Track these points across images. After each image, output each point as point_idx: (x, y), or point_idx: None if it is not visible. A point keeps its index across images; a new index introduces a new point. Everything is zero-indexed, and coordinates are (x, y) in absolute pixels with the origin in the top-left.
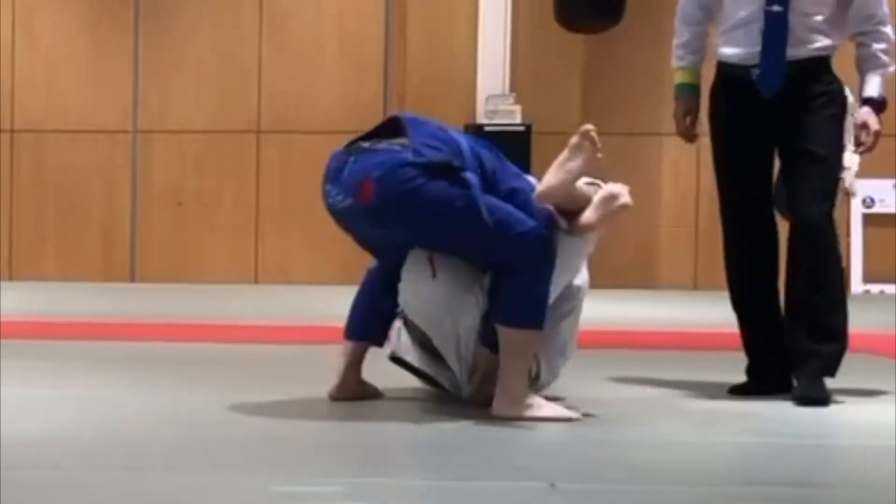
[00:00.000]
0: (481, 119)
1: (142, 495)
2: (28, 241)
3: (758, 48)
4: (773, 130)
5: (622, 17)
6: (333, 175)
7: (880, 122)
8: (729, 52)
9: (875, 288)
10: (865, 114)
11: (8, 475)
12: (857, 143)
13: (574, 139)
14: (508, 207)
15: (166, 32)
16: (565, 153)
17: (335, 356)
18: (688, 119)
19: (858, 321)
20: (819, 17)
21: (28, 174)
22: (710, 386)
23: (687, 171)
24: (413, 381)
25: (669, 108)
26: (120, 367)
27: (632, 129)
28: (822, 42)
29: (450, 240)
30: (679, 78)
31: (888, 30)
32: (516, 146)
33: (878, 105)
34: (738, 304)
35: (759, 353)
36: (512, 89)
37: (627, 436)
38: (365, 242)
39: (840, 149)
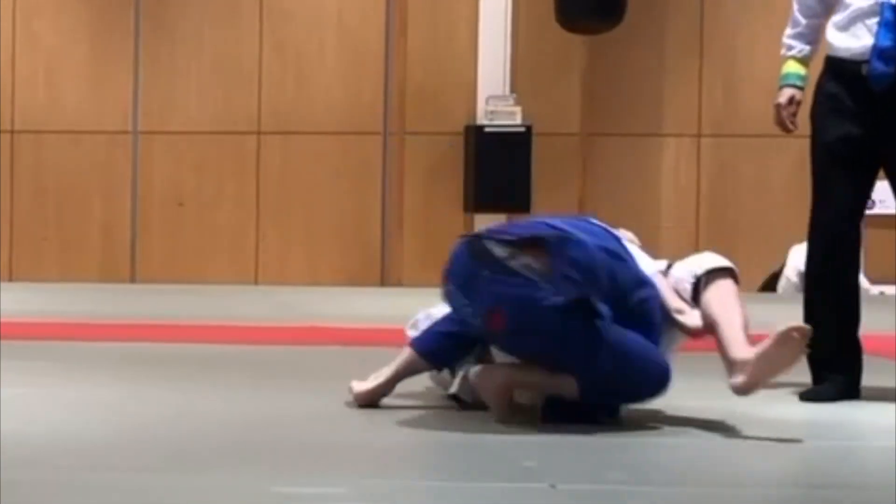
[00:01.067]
0: (481, 120)
1: (142, 495)
2: (28, 241)
3: (872, 42)
4: (880, 130)
5: (622, 18)
6: (464, 284)
7: None
8: (841, 45)
9: (875, 289)
10: None
11: (8, 475)
12: None
13: (782, 330)
14: (638, 339)
15: (166, 33)
16: (770, 343)
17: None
18: (791, 108)
19: (861, 322)
20: None
21: (28, 174)
22: (709, 387)
23: (687, 171)
24: (413, 385)
25: (669, 108)
26: (120, 367)
27: (632, 129)
28: None
29: (571, 367)
30: (787, 67)
31: None
32: (516, 147)
33: None
34: (815, 303)
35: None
36: (512, 90)
37: (628, 437)
38: None
39: None
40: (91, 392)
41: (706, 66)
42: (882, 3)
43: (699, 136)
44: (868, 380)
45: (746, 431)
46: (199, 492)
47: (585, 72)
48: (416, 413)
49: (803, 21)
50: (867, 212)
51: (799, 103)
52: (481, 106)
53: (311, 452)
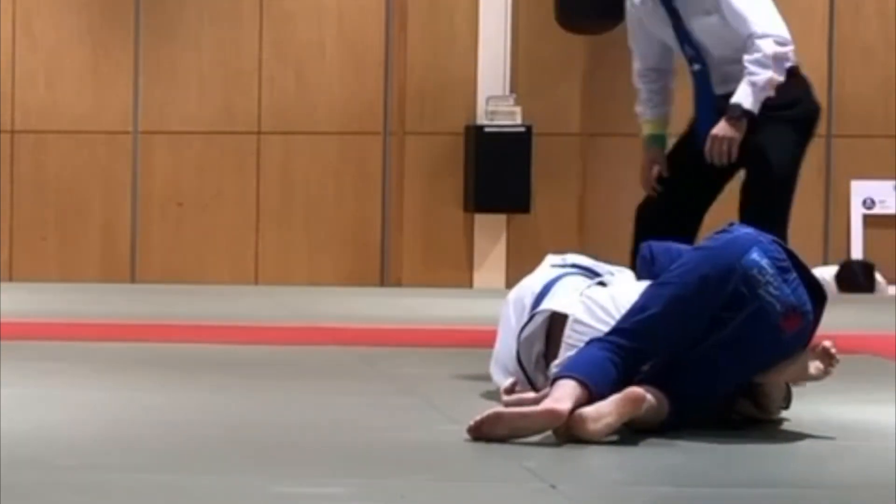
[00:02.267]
0: (481, 120)
1: (141, 495)
2: (28, 241)
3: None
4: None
5: (622, 17)
6: (781, 267)
7: (738, 129)
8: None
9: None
10: (719, 123)
11: (8, 475)
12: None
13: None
14: None
15: (166, 33)
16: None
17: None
18: (653, 171)
19: (859, 322)
20: (737, 62)
21: (28, 175)
22: None
23: None
24: (411, 386)
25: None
26: (120, 367)
27: (632, 129)
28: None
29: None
30: (643, 130)
31: (762, 41)
32: (516, 148)
33: (735, 112)
34: None
35: None
36: (512, 90)
37: (628, 437)
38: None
39: (785, 155)
40: (91, 392)
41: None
42: (690, 72)
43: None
44: (868, 380)
45: (746, 432)
46: (198, 492)
47: (585, 72)
48: (416, 413)
49: (642, 88)
50: (868, 212)
51: (660, 163)
52: (481, 106)
53: (311, 452)
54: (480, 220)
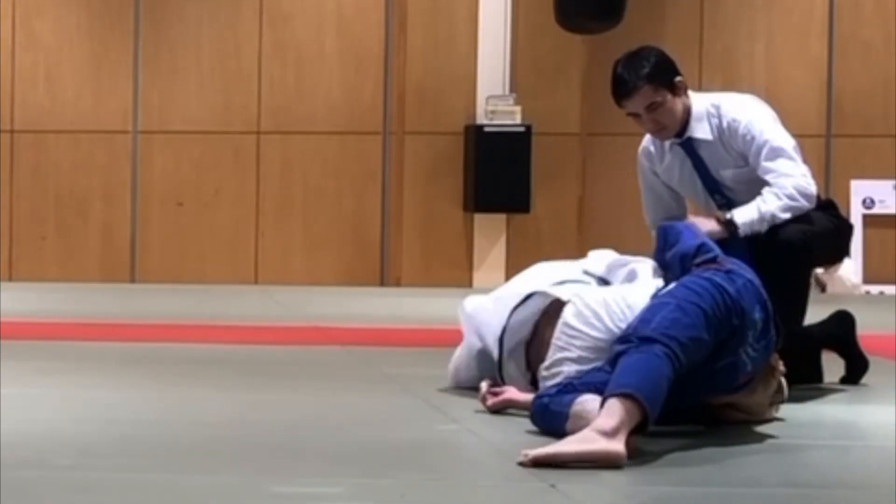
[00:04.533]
0: (481, 119)
1: (141, 495)
2: (28, 241)
3: None
4: None
5: (622, 17)
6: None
7: (722, 232)
8: None
9: (875, 289)
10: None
11: (8, 475)
12: None
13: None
14: None
15: (166, 32)
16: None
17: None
18: None
19: (859, 322)
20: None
21: (28, 174)
22: None
23: None
24: (411, 386)
25: None
26: (120, 367)
27: (632, 129)
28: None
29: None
30: None
31: (787, 181)
32: (516, 147)
33: (728, 225)
34: None
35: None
36: (512, 90)
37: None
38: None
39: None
40: (91, 392)
41: (706, 66)
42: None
43: None
44: (868, 380)
45: (745, 432)
46: (198, 492)
47: (585, 72)
48: (416, 413)
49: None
50: (867, 211)
51: None
52: (481, 106)
53: (311, 452)
54: (480, 219)
